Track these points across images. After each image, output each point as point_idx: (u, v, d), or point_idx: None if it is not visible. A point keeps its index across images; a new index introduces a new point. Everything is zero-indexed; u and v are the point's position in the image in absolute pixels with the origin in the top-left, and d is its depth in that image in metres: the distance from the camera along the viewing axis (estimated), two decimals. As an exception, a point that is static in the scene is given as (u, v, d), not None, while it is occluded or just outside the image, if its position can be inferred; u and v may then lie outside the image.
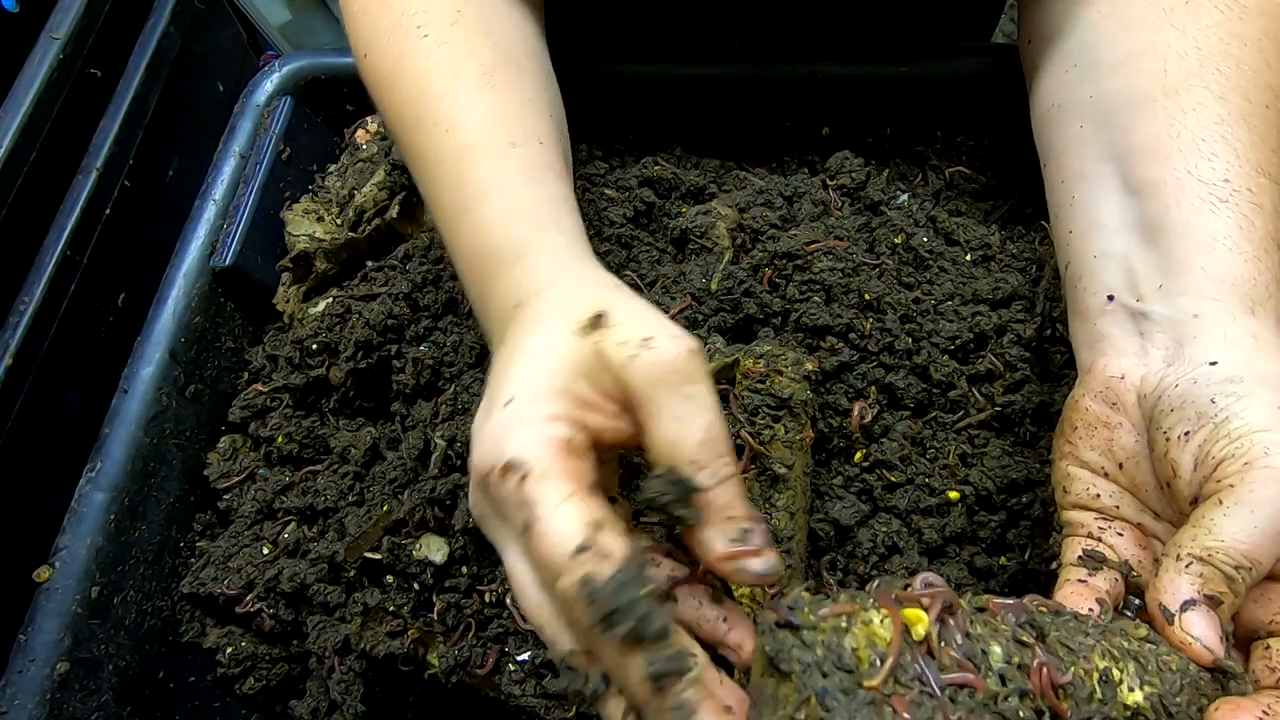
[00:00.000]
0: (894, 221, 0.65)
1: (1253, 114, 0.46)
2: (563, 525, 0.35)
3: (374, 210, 0.71)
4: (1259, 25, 0.47)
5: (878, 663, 0.32)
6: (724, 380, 0.54)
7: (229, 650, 0.61)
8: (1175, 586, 0.37)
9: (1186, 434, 0.41)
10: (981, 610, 0.36)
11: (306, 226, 0.72)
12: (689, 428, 0.38)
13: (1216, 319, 0.43)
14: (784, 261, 0.62)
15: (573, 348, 0.40)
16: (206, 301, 0.67)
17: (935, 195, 0.72)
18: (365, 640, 0.56)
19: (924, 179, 0.73)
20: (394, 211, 0.71)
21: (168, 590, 0.61)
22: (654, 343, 0.39)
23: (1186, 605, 0.37)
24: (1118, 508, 0.46)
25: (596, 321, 0.40)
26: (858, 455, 0.57)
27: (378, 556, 0.57)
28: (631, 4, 0.71)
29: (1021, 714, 0.32)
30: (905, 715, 0.31)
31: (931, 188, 0.72)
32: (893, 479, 0.56)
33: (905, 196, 0.70)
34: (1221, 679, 0.37)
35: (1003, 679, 0.33)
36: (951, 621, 0.34)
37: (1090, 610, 0.41)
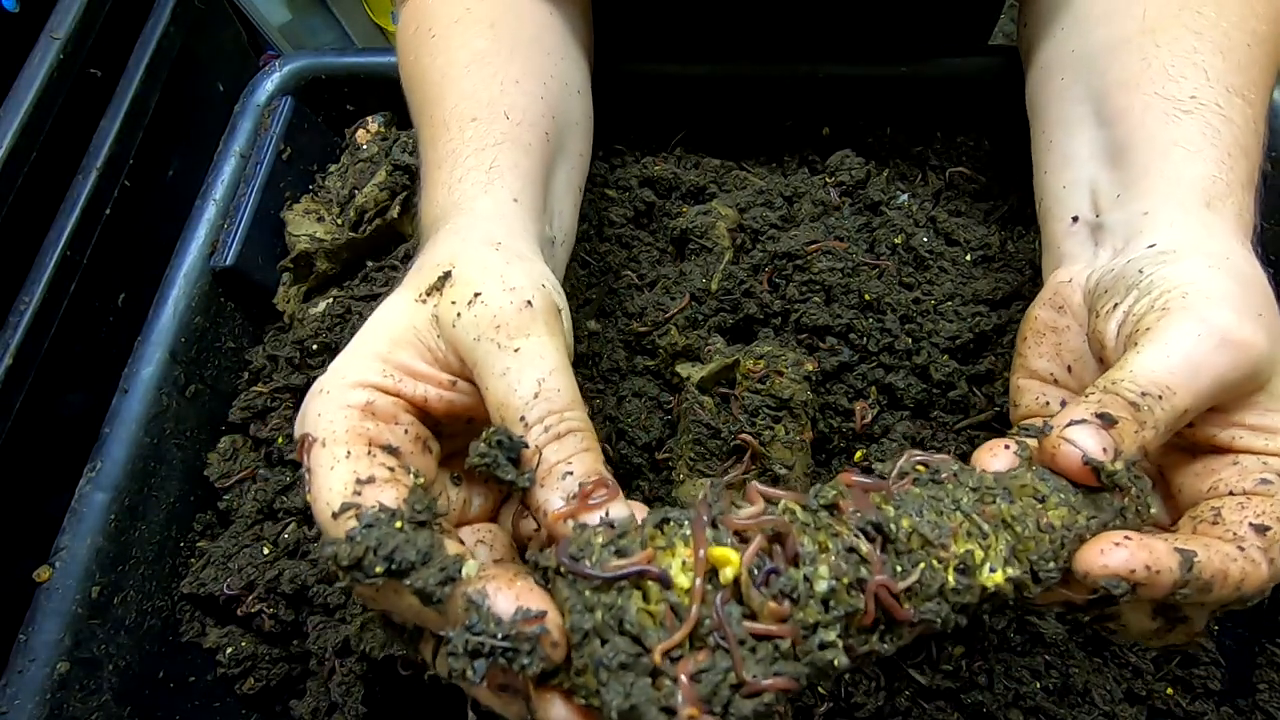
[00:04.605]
0: (894, 221, 0.65)
1: (1231, 48, 0.45)
2: (327, 489, 0.33)
3: (374, 210, 0.71)
4: None
5: (667, 622, 0.29)
6: (724, 381, 0.54)
7: (229, 650, 0.61)
8: (1069, 411, 0.35)
9: (1114, 305, 0.40)
10: (831, 510, 0.33)
11: (307, 226, 0.72)
12: (516, 381, 0.35)
13: (1166, 213, 0.42)
14: (784, 261, 0.62)
15: (408, 314, 0.39)
16: (206, 301, 0.67)
17: (935, 195, 0.72)
18: (365, 642, 0.56)
19: (924, 179, 0.73)
20: (394, 211, 0.71)
21: (168, 590, 0.61)
22: (483, 298, 0.37)
23: (1072, 423, 0.34)
24: None
25: (440, 283, 0.39)
26: (858, 455, 0.57)
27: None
28: (634, 5, 0.71)
29: (837, 654, 0.30)
30: (686, 685, 0.28)
31: (931, 188, 0.72)
32: (893, 479, 0.56)
33: (905, 196, 0.70)
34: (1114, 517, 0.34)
35: (826, 605, 0.30)
36: (778, 549, 0.31)
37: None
